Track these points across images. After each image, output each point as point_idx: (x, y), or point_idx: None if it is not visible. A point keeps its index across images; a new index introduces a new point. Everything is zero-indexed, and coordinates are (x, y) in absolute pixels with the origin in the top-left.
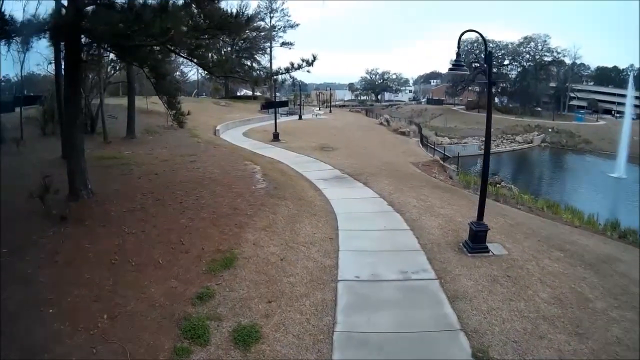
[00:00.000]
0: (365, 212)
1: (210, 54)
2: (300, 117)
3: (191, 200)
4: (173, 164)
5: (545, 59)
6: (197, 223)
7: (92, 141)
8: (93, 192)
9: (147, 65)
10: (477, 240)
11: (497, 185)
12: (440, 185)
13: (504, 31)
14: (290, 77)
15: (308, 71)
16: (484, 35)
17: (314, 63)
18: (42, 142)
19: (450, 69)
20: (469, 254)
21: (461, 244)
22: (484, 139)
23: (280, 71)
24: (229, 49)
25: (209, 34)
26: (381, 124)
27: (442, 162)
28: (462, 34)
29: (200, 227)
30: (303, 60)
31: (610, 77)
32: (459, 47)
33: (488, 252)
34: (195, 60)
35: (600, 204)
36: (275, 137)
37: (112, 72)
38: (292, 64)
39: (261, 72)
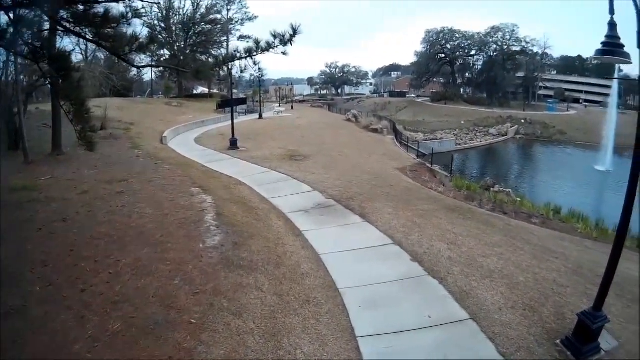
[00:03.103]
0: (385, 283)
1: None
2: (260, 116)
3: (101, 285)
4: (93, 197)
5: (514, 48)
6: (98, 355)
7: (12, 161)
8: None
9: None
10: (590, 339)
11: (491, 189)
12: (450, 204)
13: (469, 22)
14: (255, 63)
15: (284, 53)
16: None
17: (293, 40)
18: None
19: (598, 52)
20: None
21: (559, 342)
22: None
23: (239, 55)
24: (183, 44)
25: None
26: (349, 120)
27: (429, 165)
28: None
29: None
30: (275, 37)
31: (575, 66)
32: (612, 12)
33: (600, 351)
34: (103, 44)
35: (594, 201)
36: (233, 144)
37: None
38: (257, 43)
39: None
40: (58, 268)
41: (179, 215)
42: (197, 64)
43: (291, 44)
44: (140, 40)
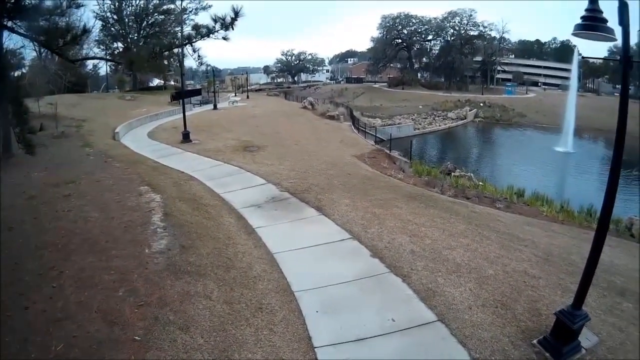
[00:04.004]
0: (344, 283)
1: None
2: (215, 107)
3: (43, 301)
4: (41, 202)
5: (471, 33)
6: None
7: None
8: None
9: None
10: (570, 339)
11: (452, 173)
12: (411, 191)
13: (426, 8)
14: (194, 50)
15: (225, 38)
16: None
17: (235, 24)
18: None
19: (578, 27)
20: None
21: (536, 343)
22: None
23: (177, 41)
24: (136, 35)
25: None
26: (305, 107)
27: (388, 151)
28: None
29: None
30: (216, 21)
31: (533, 50)
32: None
33: (580, 349)
34: (37, 37)
35: (557, 182)
36: (186, 137)
37: None
38: (197, 29)
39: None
40: (3, 284)
41: (125, 218)
42: (132, 53)
43: (232, 28)
44: (74, 31)
